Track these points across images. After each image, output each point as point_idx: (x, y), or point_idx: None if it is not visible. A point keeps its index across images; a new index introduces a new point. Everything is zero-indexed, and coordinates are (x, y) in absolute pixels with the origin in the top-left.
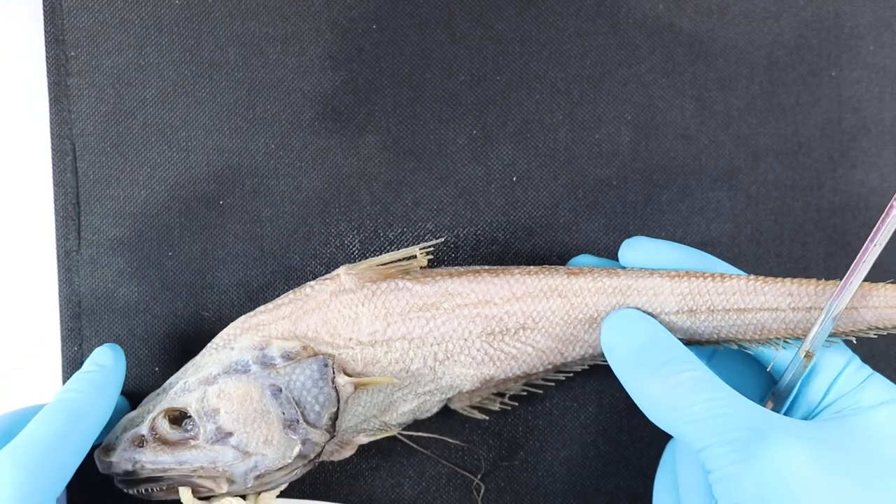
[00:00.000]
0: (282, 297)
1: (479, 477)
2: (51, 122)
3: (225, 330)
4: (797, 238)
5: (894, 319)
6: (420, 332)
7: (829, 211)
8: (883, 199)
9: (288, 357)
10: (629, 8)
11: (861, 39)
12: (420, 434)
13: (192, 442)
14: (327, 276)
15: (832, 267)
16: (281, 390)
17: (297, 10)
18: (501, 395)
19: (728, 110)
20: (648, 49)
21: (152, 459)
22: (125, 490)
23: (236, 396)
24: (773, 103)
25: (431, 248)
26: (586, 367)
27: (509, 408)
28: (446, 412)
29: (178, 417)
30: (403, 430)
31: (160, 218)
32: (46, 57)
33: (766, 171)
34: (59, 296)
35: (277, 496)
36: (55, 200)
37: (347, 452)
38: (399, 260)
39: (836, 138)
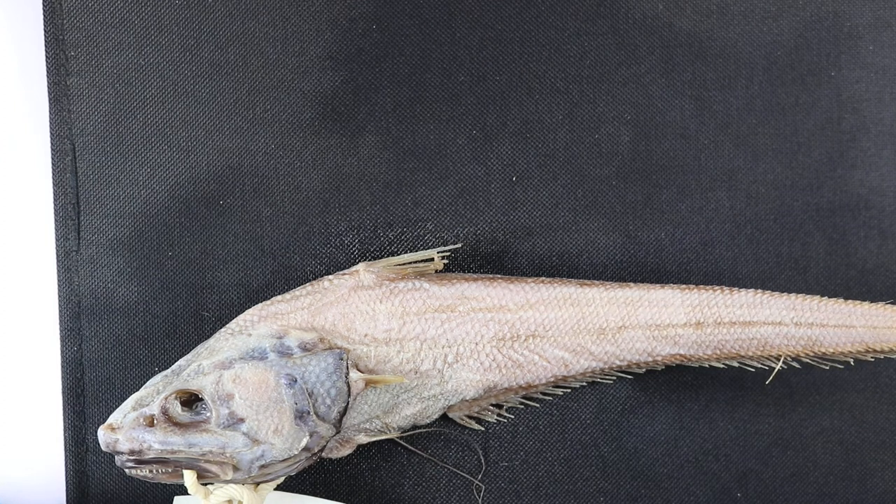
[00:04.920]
0: (298, 288)
1: (479, 477)
2: (51, 122)
3: (241, 316)
4: (797, 238)
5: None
6: (433, 334)
7: (828, 211)
8: (883, 199)
9: (305, 348)
10: (628, 8)
11: (860, 39)
12: (420, 429)
13: (204, 426)
14: (346, 271)
15: (832, 267)
16: (296, 380)
17: (297, 10)
18: (499, 406)
19: (727, 110)
20: (647, 49)
21: (162, 440)
22: (127, 472)
23: (252, 383)
24: (773, 103)
25: (448, 252)
26: (584, 383)
27: (505, 420)
28: (445, 416)
29: (189, 400)
30: (402, 434)
31: (160, 218)
32: (46, 57)
33: (765, 171)
34: (59, 295)
35: (274, 490)
36: (55, 200)
37: (346, 451)
38: (417, 261)
39: (835, 138)
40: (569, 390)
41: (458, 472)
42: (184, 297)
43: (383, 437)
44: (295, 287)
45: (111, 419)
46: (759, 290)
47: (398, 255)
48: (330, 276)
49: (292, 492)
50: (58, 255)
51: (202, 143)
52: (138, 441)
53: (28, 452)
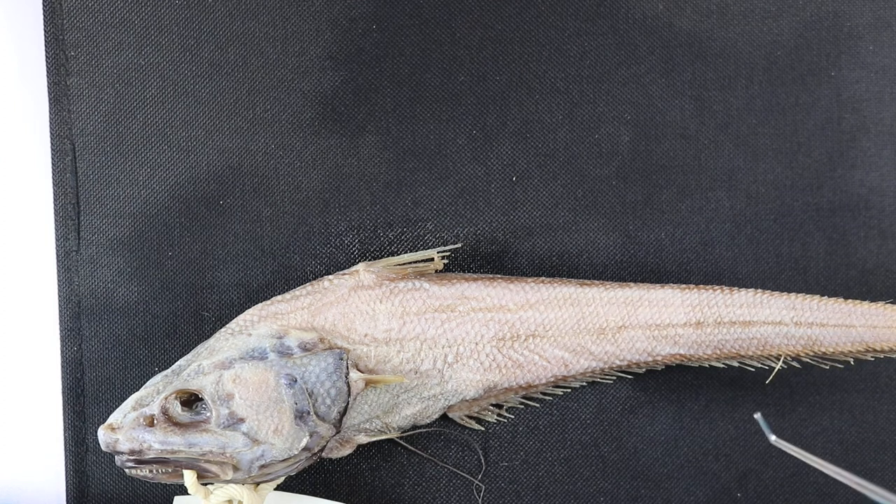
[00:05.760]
0: (298, 288)
1: (479, 477)
2: (51, 122)
3: (241, 316)
4: (797, 238)
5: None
6: (433, 333)
7: (828, 211)
8: (883, 199)
9: (305, 348)
10: (628, 8)
11: (860, 39)
12: (420, 429)
13: (204, 425)
14: (346, 271)
15: (832, 267)
16: (296, 380)
17: (297, 10)
18: (499, 406)
19: (727, 110)
20: (647, 49)
21: (162, 440)
22: (128, 472)
23: (252, 383)
24: (773, 103)
25: (448, 252)
26: (584, 383)
27: (505, 420)
28: (445, 416)
29: (189, 400)
30: (402, 434)
31: (160, 218)
32: (46, 57)
33: (765, 171)
34: (59, 295)
35: (274, 490)
36: (55, 200)
37: (346, 451)
38: (417, 261)
39: (835, 138)
40: (569, 390)
41: (458, 472)
42: (184, 297)
43: (383, 437)
44: (295, 287)
45: (111, 419)
46: (759, 290)
47: (398, 255)
48: (330, 276)
49: (292, 492)
50: (58, 255)
51: (202, 143)
52: (138, 441)
53: (28, 452)
